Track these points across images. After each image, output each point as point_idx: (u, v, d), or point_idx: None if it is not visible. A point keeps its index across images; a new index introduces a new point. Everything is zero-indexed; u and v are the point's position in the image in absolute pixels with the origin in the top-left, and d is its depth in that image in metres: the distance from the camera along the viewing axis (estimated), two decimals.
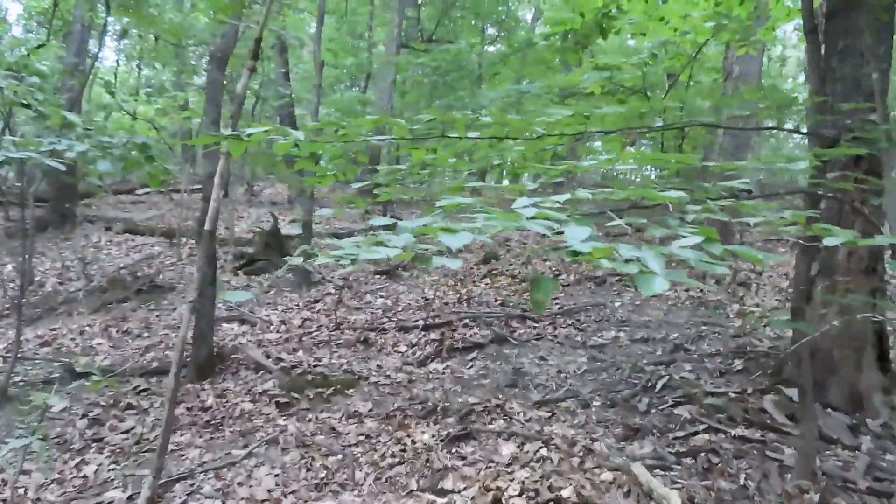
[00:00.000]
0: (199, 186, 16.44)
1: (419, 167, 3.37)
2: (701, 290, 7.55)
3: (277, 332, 6.70)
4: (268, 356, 5.74)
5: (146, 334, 6.55)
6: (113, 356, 5.88)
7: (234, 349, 5.81)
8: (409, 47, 17.88)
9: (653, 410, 4.43)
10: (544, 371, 5.26)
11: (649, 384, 4.83)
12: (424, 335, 6.32)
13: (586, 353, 5.62)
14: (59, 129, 5.31)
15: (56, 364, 5.53)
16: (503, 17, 19.75)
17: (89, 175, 9.61)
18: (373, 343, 6.14)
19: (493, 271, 9.27)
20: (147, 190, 15.96)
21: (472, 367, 5.46)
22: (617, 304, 7.15)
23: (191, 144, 4.91)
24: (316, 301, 7.85)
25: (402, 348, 6.03)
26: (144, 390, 5.12)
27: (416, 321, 6.76)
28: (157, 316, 7.11)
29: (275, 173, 16.67)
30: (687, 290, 7.59)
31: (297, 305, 7.70)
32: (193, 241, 10.80)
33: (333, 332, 6.56)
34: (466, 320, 6.62)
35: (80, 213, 12.24)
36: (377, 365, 5.57)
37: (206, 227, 3.46)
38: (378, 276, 9.19)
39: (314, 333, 6.57)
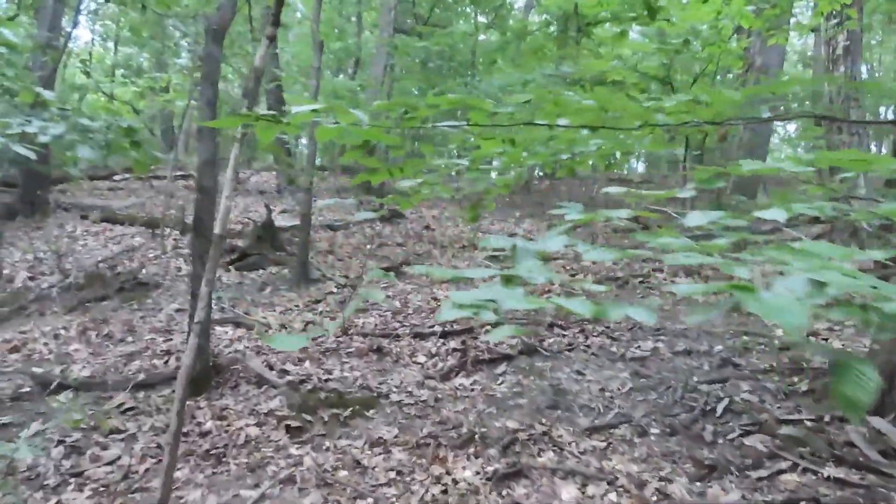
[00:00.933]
0: (182, 173, 15.64)
1: (480, 161, 2.76)
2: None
3: None
4: (270, 367, 5.11)
5: (130, 339, 5.87)
6: (93, 365, 5.20)
7: (233, 359, 5.16)
8: (403, 32, 17.16)
9: (720, 441, 3.88)
10: (585, 389, 4.69)
11: (707, 407, 4.29)
12: (444, 343, 5.72)
13: (627, 368, 5.07)
14: (31, 108, 4.61)
15: (26, 375, 4.83)
16: (499, 4, 19.07)
17: (65, 163, 8.85)
18: (387, 352, 5.52)
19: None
20: (126, 176, 15.12)
21: (502, 382, 4.88)
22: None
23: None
24: (317, 301, 7.21)
25: (421, 358, 5.42)
26: (130, 409, 4.46)
27: (432, 326, 6.16)
28: (141, 317, 6.42)
29: (277, 160, 15.85)
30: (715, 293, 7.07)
31: (297, 306, 7.05)
32: (178, 232, 10.08)
33: (341, 339, 5.93)
34: (488, 326, 6.02)
35: (52, 200, 11.43)
36: (397, 379, 4.96)
37: (217, 230, 2.82)
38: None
39: (320, 339, 5.94)
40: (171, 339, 5.89)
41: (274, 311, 6.88)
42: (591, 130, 2.39)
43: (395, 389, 4.77)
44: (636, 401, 4.46)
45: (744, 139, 9.18)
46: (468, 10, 18.95)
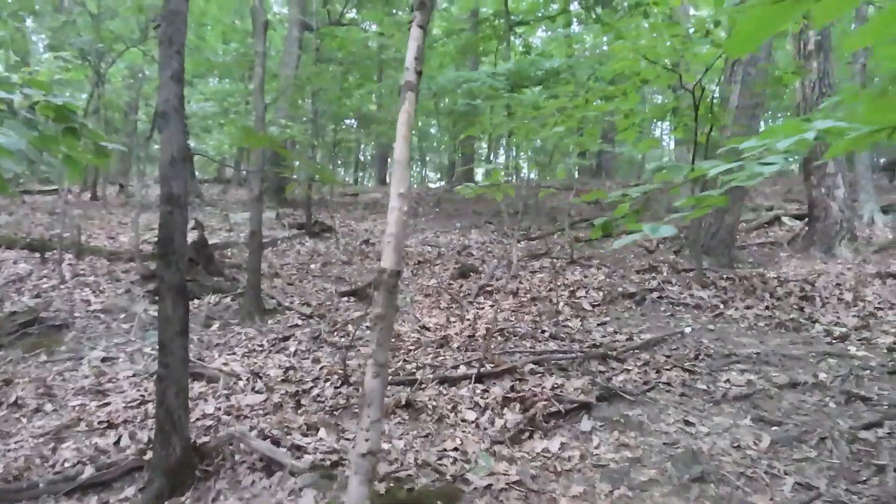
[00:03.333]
0: (56, 188, 13.20)
1: None
2: (767, 308, 6.24)
3: (255, 390, 4.55)
4: (276, 442, 3.64)
5: (50, 407, 4.17)
6: (5, 458, 3.50)
7: (227, 437, 3.63)
8: (312, 30, 15.63)
9: None
10: (713, 446, 3.59)
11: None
12: (485, 390, 4.45)
13: (737, 411, 4.02)
14: None
15: None
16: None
17: None
18: (420, 407, 4.18)
19: (487, 289, 7.50)
20: None
21: (599, 443, 3.68)
22: (688, 330, 5.64)
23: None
24: (285, 338, 5.70)
25: (468, 414, 4.12)
26: None
27: (456, 367, 4.87)
28: (59, 374, 4.68)
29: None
30: (750, 308, 6.26)
31: (261, 346, 5.52)
32: (73, 256, 8.12)
33: (340, 389, 4.52)
34: (530, 365, 4.81)
35: None
36: (458, 449, 3.64)
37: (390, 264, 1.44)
38: (345, 300, 7.14)
39: (314, 393, 4.50)
40: (109, 404, 4.24)
41: (234, 354, 5.32)
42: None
43: (465, 466, 3.45)
44: (794, 461, 3.40)
45: (737, 118, 8.51)
46: (385, 9, 17.66)
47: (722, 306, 6.45)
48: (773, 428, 3.76)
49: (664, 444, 3.64)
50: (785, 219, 11.60)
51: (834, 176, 9.25)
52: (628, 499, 3.09)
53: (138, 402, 4.30)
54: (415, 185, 22.24)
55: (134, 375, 4.76)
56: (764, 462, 3.36)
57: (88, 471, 3.30)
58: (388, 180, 21.55)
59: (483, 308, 6.83)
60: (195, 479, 3.31)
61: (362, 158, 30.24)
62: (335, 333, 5.78)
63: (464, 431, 3.92)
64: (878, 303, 6.33)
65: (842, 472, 3.23)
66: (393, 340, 5.67)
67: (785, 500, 3.01)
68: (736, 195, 8.44)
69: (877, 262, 8.21)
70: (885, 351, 5.03)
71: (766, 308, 6.27)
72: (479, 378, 4.61)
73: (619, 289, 7.02)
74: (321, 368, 4.91)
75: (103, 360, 5.02)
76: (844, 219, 9.14)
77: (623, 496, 3.11)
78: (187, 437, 3.35)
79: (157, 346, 3.25)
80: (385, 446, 3.66)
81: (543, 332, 5.67)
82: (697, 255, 7.74)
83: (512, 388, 4.43)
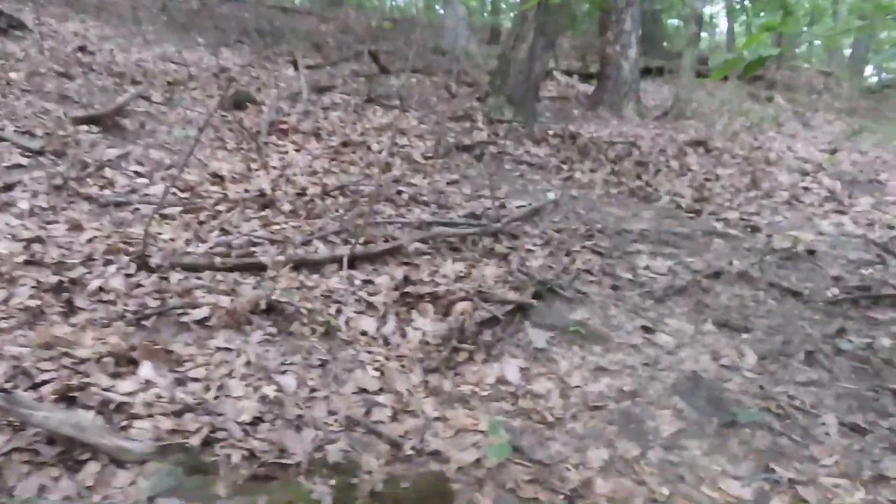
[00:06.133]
0: None
1: None
2: (613, 173, 5.66)
3: None
4: (67, 396, 1.90)
5: None
6: None
7: None
8: None
9: None
10: (700, 364, 2.79)
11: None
12: (367, 280, 3.07)
13: (681, 308, 3.30)
14: None
15: None
16: None
17: None
18: (288, 313, 2.67)
19: (281, 127, 5.74)
20: None
21: (572, 370, 2.64)
22: (551, 196, 4.78)
23: None
24: (7, 187, 3.49)
25: (364, 323, 2.74)
26: None
27: (307, 241, 3.35)
28: None
29: None
30: (594, 171, 5.62)
31: None
32: None
33: (137, 278, 2.76)
34: (416, 243, 3.47)
35: None
36: (383, 390, 2.30)
37: None
38: (85, 128, 4.83)
39: (92, 286, 2.65)
40: None
41: None
42: None
43: (409, 418, 2.16)
44: (801, 384, 2.76)
45: None
46: None
47: (565, 168, 5.71)
48: (744, 336, 3.09)
49: (644, 363, 2.74)
50: (556, 73, 11.32)
51: (629, 34, 8.94)
52: (672, 465, 2.14)
53: None
54: None
55: None
56: (778, 390, 2.66)
57: None
58: None
59: (287, 152, 5.15)
60: None
61: None
62: (88, 180, 3.69)
63: (370, 352, 2.56)
64: (704, 173, 6.17)
65: (861, 401, 2.66)
66: (185, 196, 3.84)
67: (843, 450, 2.33)
68: (546, 42, 7.63)
69: (668, 127, 8.21)
70: (749, 230, 4.76)
71: (612, 173, 5.69)
72: (353, 262, 3.19)
73: (450, 139, 5.86)
74: (90, 241, 2.99)
75: None
76: (633, 80, 9.01)
77: (664, 462, 2.15)
78: None
79: None
80: (264, 388, 2.17)
81: (400, 192, 4.32)
82: (519, 109, 6.88)
83: (406, 280, 3.11)
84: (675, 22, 18.33)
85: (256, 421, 2.04)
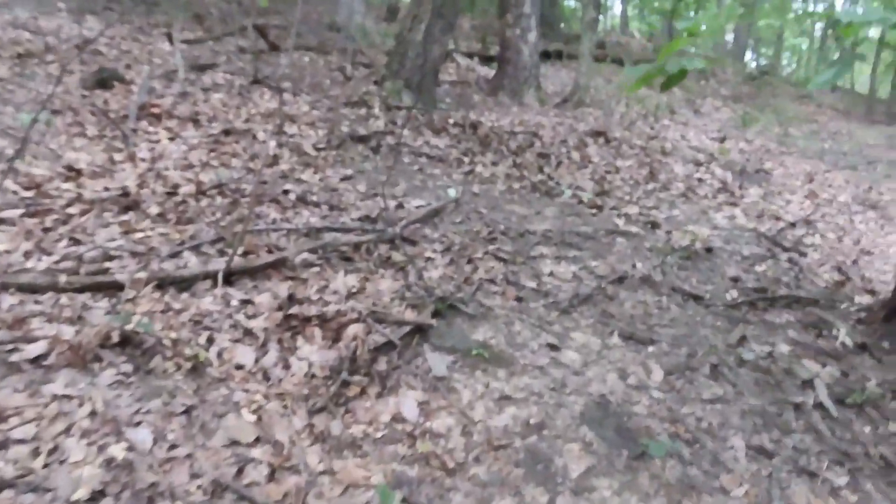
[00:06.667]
0: None
1: None
2: (515, 166, 5.50)
3: None
4: None
5: None
6: None
7: None
8: None
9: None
10: (607, 384, 2.65)
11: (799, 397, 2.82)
12: (245, 300, 2.73)
13: (587, 320, 3.16)
14: None
15: None
16: None
17: None
18: (147, 346, 2.30)
19: (152, 110, 5.19)
20: None
21: (474, 401, 2.42)
22: (452, 193, 4.55)
23: None
24: None
25: (241, 354, 2.41)
26: None
27: (175, 252, 2.95)
28: None
29: None
30: (496, 165, 5.44)
31: None
32: None
33: None
34: (304, 253, 3.14)
35: None
36: (259, 440, 2.00)
37: None
38: None
39: None
40: None
41: None
42: None
43: (292, 474, 1.88)
44: (707, 402, 2.67)
45: None
46: None
47: (466, 160, 5.50)
48: (650, 349, 2.99)
49: (550, 388, 2.57)
50: (456, 56, 11.07)
51: (528, 17, 8.80)
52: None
53: None
54: None
55: None
56: (685, 411, 2.56)
57: None
58: None
59: (159, 141, 4.64)
60: None
61: None
62: None
63: (246, 391, 2.24)
64: (605, 164, 6.13)
65: (765, 418, 2.61)
66: (29, 196, 3.32)
67: (751, 477, 2.24)
68: (445, 24, 7.36)
69: (569, 116, 8.16)
70: (650, 226, 4.73)
71: (514, 166, 5.53)
72: (229, 277, 2.83)
73: (344, 128, 5.50)
74: None
75: None
76: (534, 64, 8.90)
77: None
78: None
79: None
80: (111, 448, 1.82)
81: (287, 192, 3.95)
82: (418, 94, 6.58)
83: (291, 298, 2.79)
84: (570, 3, 18.50)
85: (97, 496, 1.69)
